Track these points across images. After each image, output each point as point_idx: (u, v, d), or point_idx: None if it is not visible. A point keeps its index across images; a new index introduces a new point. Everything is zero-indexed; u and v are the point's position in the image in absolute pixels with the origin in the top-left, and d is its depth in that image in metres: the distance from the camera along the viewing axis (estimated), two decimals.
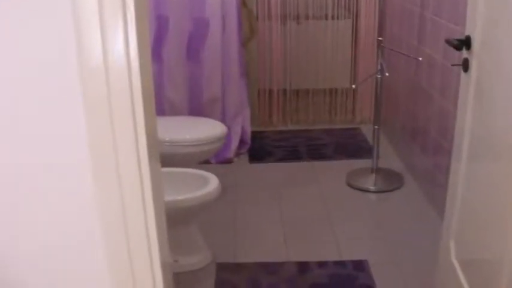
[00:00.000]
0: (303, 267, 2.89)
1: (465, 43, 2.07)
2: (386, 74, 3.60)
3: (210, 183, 2.78)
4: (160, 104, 3.98)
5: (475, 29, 2.01)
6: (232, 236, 3.19)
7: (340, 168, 4.01)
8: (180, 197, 2.67)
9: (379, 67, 3.69)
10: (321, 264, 2.89)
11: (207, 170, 2.98)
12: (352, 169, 3.95)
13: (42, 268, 1.41)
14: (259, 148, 4.42)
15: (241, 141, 4.27)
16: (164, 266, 1.49)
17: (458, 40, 2.11)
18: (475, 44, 2.02)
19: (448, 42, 2.19)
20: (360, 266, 2.87)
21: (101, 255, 1.39)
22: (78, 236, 1.38)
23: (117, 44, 1.22)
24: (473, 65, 2.04)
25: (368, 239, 3.19)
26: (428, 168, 3.52)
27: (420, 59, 3.50)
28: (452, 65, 2.73)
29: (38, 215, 1.36)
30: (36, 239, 1.38)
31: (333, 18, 4.64)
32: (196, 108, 4.13)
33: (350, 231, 3.24)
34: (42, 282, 1.43)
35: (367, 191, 3.71)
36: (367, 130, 4.58)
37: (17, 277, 1.42)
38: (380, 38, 3.70)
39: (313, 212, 3.47)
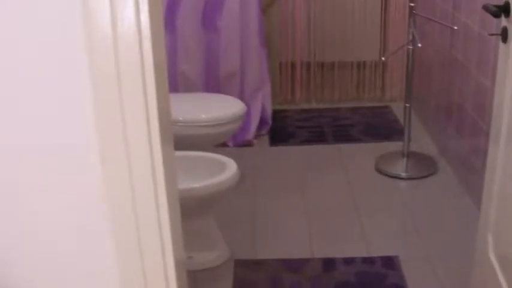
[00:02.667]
0: (328, 264, 2.84)
1: (504, 9, 1.97)
2: (419, 45, 3.49)
3: (228, 169, 2.72)
4: (173, 78, 3.91)
5: None
6: (251, 230, 3.15)
7: (368, 151, 3.94)
8: (194, 185, 2.61)
9: (410, 37, 3.58)
10: (348, 261, 2.84)
11: (225, 154, 2.93)
12: (381, 153, 3.88)
13: (44, 264, 1.38)
14: (281, 129, 4.35)
15: (261, 121, 4.20)
16: (178, 263, 1.46)
17: (496, 6, 2.01)
18: None
19: (486, 8, 2.08)
20: (389, 262, 2.82)
21: (108, 251, 1.35)
22: (83, 229, 1.34)
23: (126, 10, 1.16)
24: None
25: (399, 232, 3.13)
26: (464, 151, 3.44)
27: (455, 27, 3.40)
28: (490, 35, 2.66)
29: (39, 205, 1.32)
30: (37, 232, 1.35)
31: None
32: (212, 83, 4.05)
33: (379, 223, 3.18)
34: (45, 280, 1.40)
35: (397, 177, 3.64)
36: (397, 109, 4.48)
37: (19, 274, 1.39)
38: (412, 4, 3.58)
39: (339, 201, 3.42)
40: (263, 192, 3.52)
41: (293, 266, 2.84)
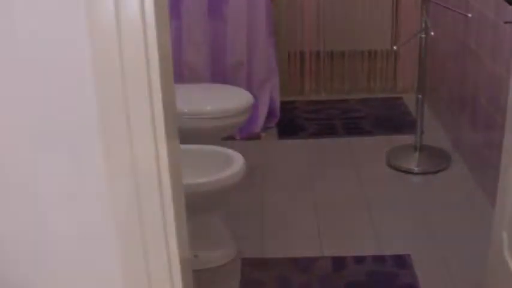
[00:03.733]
0: (338, 263, 2.81)
1: None
2: (432, 34, 3.46)
3: (235, 163, 2.68)
4: (178, 68, 3.87)
5: None
6: (259, 227, 3.12)
7: (379, 145, 3.90)
8: (200, 180, 2.58)
9: (423, 25, 3.53)
10: (358, 260, 2.81)
11: (231, 147, 2.90)
12: (392, 146, 3.84)
13: (46, 264, 1.36)
14: (289, 121, 4.31)
15: (269, 113, 4.16)
16: (183, 262, 1.44)
17: None
18: None
19: None
20: (401, 261, 2.79)
21: (111, 250, 1.33)
22: (86, 227, 1.32)
23: None
24: None
25: (411, 229, 3.09)
26: (478, 145, 3.41)
27: (469, 15, 3.34)
28: (505, 23, 2.62)
29: (40, 205, 1.30)
30: (38, 231, 1.33)
31: None
32: (219, 74, 4.01)
33: (390, 220, 3.14)
34: (46, 280, 1.39)
35: (409, 172, 3.60)
36: (409, 100, 4.42)
37: (18, 275, 1.38)
38: None
39: (350, 197, 3.38)
40: (271, 187, 3.49)
41: (302, 264, 2.81)
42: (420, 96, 3.66)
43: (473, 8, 3.37)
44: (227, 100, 3.34)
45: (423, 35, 3.55)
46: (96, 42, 1.16)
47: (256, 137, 4.05)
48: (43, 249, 1.34)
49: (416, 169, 3.61)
